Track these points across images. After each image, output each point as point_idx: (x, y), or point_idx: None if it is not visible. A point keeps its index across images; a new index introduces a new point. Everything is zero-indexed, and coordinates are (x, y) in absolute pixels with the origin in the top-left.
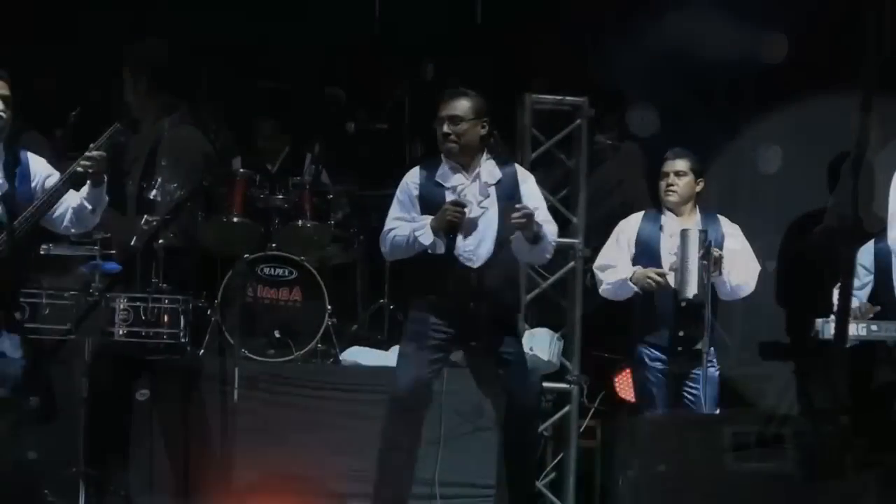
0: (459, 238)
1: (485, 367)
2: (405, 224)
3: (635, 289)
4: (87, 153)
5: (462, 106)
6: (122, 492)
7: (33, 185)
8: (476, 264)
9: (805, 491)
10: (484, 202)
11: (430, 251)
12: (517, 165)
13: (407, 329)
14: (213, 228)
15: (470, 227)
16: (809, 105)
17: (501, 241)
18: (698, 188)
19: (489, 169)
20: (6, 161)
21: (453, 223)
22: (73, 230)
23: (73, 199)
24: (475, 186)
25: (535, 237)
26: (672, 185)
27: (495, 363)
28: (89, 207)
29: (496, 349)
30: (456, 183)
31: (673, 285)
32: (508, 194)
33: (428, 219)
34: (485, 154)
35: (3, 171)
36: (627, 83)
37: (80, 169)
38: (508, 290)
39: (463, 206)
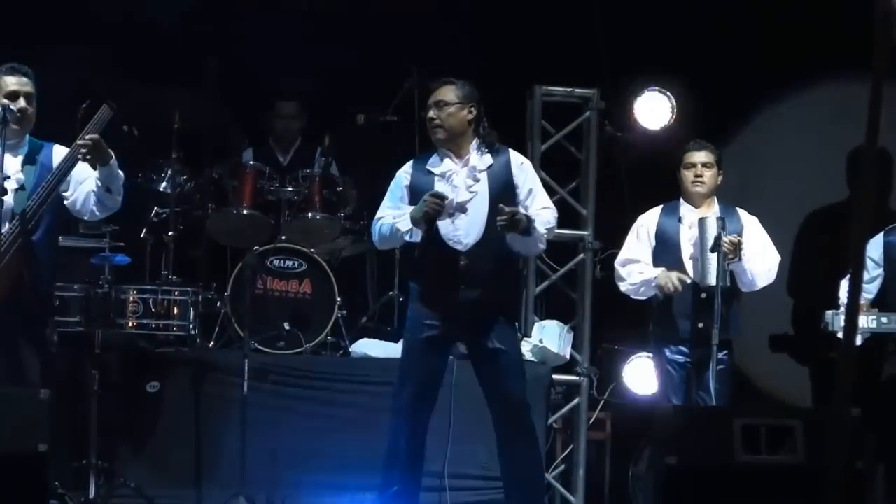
0: (448, 222)
1: (479, 358)
2: (391, 214)
3: (648, 286)
4: (79, 139)
5: (446, 92)
6: (131, 483)
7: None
8: (465, 247)
9: (813, 483)
10: (473, 186)
11: (408, 238)
12: (511, 151)
13: (406, 330)
14: (223, 220)
15: (458, 210)
16: (824, 95)
17: (492, 227)
18: (719, 179)
19: (479, 155)
20: (29, 153)
21: (430, 214)
22: (98, 214)
23: (92, 184)
24: (464, 171)
25: (526, 231)
26: (700, 175)
27: (488, 355)
28: (103, 188)
29: (488, 340)
30: (445, 169)
31: (693, 276)
32: (500, 180)
33: (410, 208)
34: (476, 141)
35: (24, 165)
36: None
37: (79, 156)
38: (500, 275)
39: (442, 197)
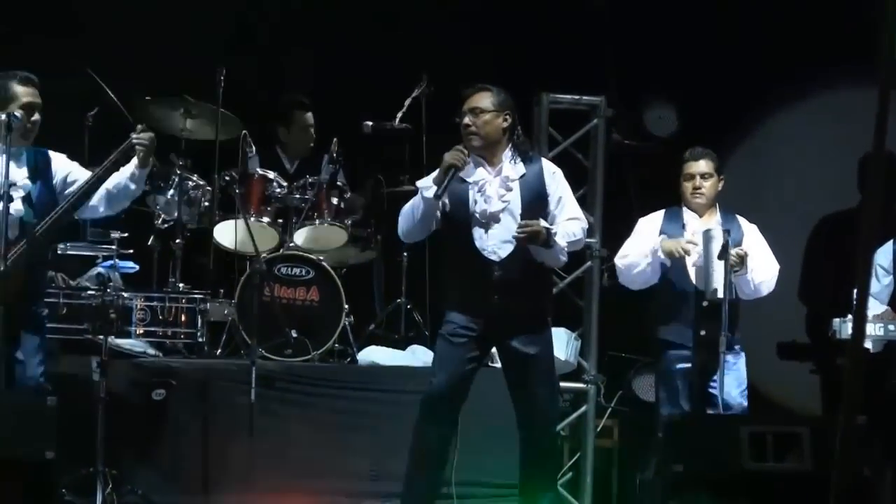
0: (482, 232)
1: (510, 364)
2: None
3: (650, 261)
4: (136, 134)
5: (483, 98)
6: (138, 491)
7: (54, 182)
8: (499, 258)
9: (820, 490)
10: (506, 196)
11: (428, 195)
12: (544, 160)
13: (441, 330)
14: (230, 228)
15: (491, 220)
16: (832, 101)
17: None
18: (719, 187)
19: (513, 164)
20: (29, 161)
21: (451, 163)
22: (101, 211)
23: (107, 182)
24: (497, 181)
25: (545, 243)
26: (699, 187)
27: (520, 362)
28: (133, 187)
29: (521, 345)
30: (478, 178)
31: (696, 284)
32: (533, 189)
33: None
34: (509, 149)
35: (28, 172)
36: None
37: (135, 142)
38: (534, 284)
39: (464, 152)
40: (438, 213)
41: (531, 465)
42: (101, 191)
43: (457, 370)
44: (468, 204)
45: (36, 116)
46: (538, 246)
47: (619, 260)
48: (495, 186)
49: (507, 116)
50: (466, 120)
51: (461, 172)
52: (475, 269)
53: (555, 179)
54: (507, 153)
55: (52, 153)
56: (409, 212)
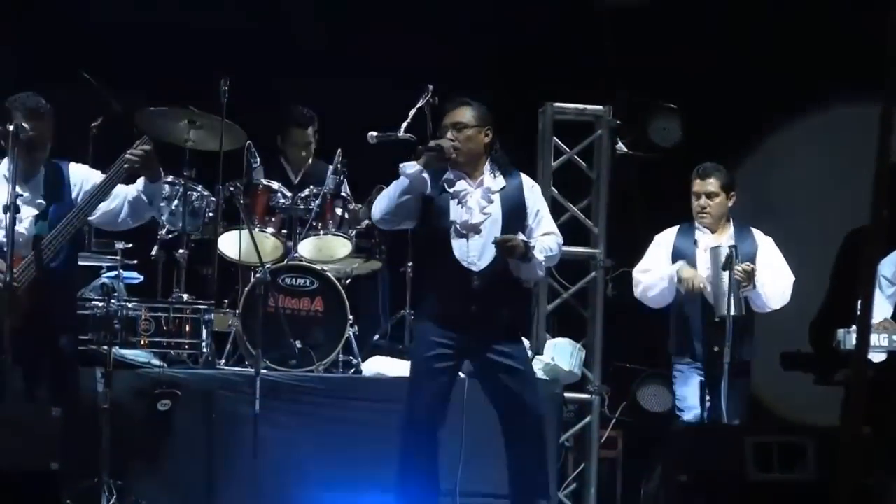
0: (462, 242)
1: (490, 376)
2: None
3: (666, 286)
4: (132, 149)
5: (465, 113)
6: (142, 502)
7: (74, 194)
8: (478, 268)
9: (825, 501)
10: (487, 208)
11: (409, 171)
12: (523, 175)
13: (413, 345)
14: (234, 238)
15: (472, 231)
16: (841, 115)
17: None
18: (730, 203)
19: (493, 177)
20: (46, 176)
21: (439, 143)
22: (131, 222)
23: (128, 192)
24: (478, 193)
25: (523, 257)
26: (705, 207)
27: (500, 372)
28: (146, 200)
29: (500, 358)
30: (460, 189)
31: (708, 299)
32: (513, 202)
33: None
34: (489, 163)
35: (43, 189)
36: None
37: (126, 165)
38: (512, 295)
39: (458, 147)
40: (422, 192)
41: (522, 476)
42: (124, 202)
43: (434, 392)
44: (449, 214)
45: (36, 153)
46: (516, 260)
47: (638, 274)
48: (477, 197)
49: (488, 131)
50: (450, 135)
51: (442, 181)
52: (454, 278)
53: (534, 193)
54: (487, 166)
55: (71, 165)
56: (387, 192)
